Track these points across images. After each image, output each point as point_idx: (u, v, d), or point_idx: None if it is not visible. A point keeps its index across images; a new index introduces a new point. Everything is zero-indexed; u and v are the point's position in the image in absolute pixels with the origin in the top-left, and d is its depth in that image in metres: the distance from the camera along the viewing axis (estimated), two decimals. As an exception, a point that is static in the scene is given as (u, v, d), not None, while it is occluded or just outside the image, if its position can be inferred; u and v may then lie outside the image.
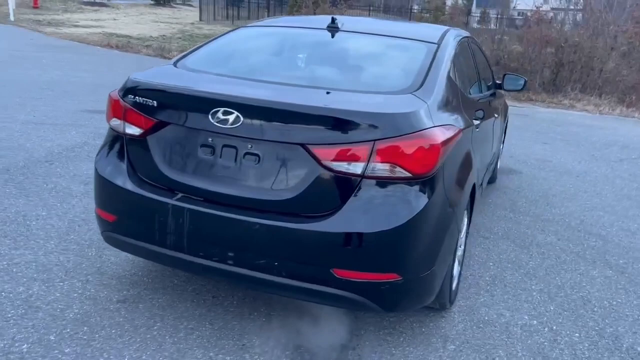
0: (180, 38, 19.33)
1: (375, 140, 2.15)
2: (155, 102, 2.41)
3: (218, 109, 2.25)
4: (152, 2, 33.66)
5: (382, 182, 2.18)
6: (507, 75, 4.66)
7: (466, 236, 3.22)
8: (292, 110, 2.21)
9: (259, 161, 2.26)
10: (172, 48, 16.09)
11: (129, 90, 2.50)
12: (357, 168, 2.16)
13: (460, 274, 3.16)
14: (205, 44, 3.14)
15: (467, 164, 2.75)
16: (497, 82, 4.68)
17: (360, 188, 2.17)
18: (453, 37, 3.24)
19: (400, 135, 2.17)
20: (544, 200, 5.01)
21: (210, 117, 2.26)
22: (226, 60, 2.95)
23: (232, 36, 3.26)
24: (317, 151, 2.16)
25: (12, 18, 20.36)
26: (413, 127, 2.20)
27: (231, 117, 2.23)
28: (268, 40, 3.25)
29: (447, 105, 2.60)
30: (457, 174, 2.56)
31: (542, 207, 4.82)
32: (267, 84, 2.51)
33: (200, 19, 26.70)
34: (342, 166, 2.16)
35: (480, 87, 3.78)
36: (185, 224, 2.33)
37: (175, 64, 2.81)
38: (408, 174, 2.19)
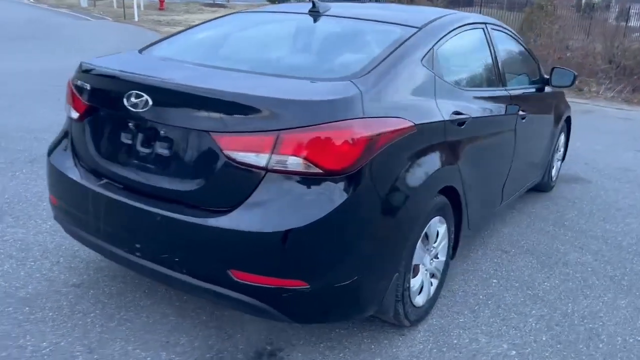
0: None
1: (280, 130, 1.92)
2: (89, 85, 2.37)
3: (131, 92, 2.15)
4: (267, 1, 34.75)
5: (288, 177, 1.95)
6: (556, 69, 4.11)
7: (452, 247, 2.85)
8: (196, 94, 2.06)
9: (170, 148, 2.13)
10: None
11: (76, 74, 2.49)
12: (260, 160, 1.95)
13: (439, 288, 2.80)
14: (184, 30, 3.06)
15: (434, 162, 2.41)
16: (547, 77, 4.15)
17: (263, 183, 1.96)
18: (449, 22, 2.87)
19: (309, 126, 1.92)
20: (600, 215, 4.36)
21: (125, 100, 2.17)
22: (193, 46, 2.84)
23: (215, 22, 3.16)
24: (220, 140, 1.98)
25: (136, 18, 22.01)
26: (326, 117, 1.94)
27: (142, 101, 2.12)
28: (245, 26, 3.11)
29: (403, 95, 2.29)
30: (409, 174, 2.24)
31: (594, 222, 4.20)
32: (205, 68, 2.37)
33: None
34: (245, 157, 1.96)
35: (500, 80, 3.33)
36: (102, 211, 2.26)
37: (140, 51, 2.76)
38: (318, 170, 1.94)
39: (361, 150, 1.98)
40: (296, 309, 2.06)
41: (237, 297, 2.03)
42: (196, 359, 2.31)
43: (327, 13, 2.91)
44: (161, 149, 2.14)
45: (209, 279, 2.05)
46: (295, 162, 1.92)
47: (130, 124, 2.22)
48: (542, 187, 4.69)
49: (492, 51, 3.29)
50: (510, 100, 3.35)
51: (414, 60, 2.45)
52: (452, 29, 2.85)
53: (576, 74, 4.11)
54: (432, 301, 2.74)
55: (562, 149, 4.95)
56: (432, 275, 2.74)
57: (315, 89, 2.12)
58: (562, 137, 4.85)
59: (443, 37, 2.75)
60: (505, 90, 3.35)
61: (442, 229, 2.67)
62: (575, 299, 3.03)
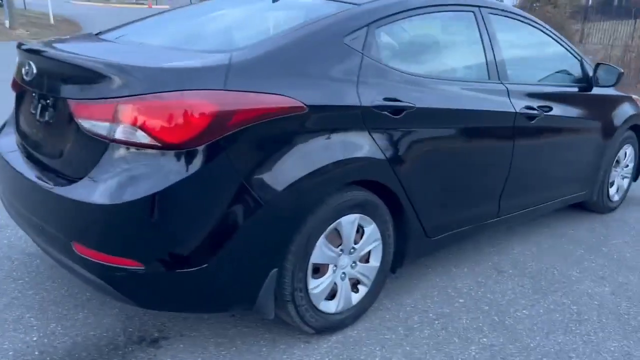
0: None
1: (121, 97, 1.83)
2: (19, 63, 2.46)
3: (24, 61, 2.21)
4: None
5: (130, 148, 1.85)
6: (601, 65, 3.50)
7: (395, 254, 2.53)
8: (63, 63, 2.05)
9: (51, 117, 2.14)
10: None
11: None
12: (103, 129, 1.87)
13: (369, 297, 2.50)
14: (153, 15, 3.10)
15: (340, 150, 2.15)
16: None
17: (106, 153, 1.88)
18: (404, 2, 2.55)
19: (147, 94, 1.81)
20: (659, 244, 3.61)
21: (23, 70, 2.23)
22: (146, 27, 2.85)
23: (190, 7, 3.16)
24: (75, 107, 1.96)
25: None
26: (165, 85, 1.82)
27: (30, 70, 2.17)
28: (210, 8, 3.04)
29: (296, 72, 2.07)
30: (295, 159, 2.02)
31: (643, 252, 3.48)
32: (128, 45, 2.41)
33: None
34: (93, 126, 1.90)
35: (497, 72, 2.89)
36: (9, 182, 2.34)
37: (97, 34, 2.83)
38: (156, 142, 1.82)
39: (206, 124, 1.81)
40: (135, 291, 1.94)
41: (82, 272, 1.96)
42: (83, 335, 2.28)
43: None
44: (46, 118, 2.16)
45: (62, 251, 2.01)
46: (133, 133, 1.82)
47: (33, 94, 2.27)
48: (595, 207, 4.01)
49: (485, 39, 2.87)
50: (508, 96, 2.90)
51: (328, 38, 2.21)
52: (407, 8, 2.53)
53: (621, 71, 3.45)
54: (355, 310, 2.44)
55: (630, 164, 4.19)
56: (358, 282, 2.43)
57: (181, 58, 2.00)
58: (630, 150, 4.10)
59: (390, 16, 2.45)
60: (502, 84, 2.90)
61: (370, 229, 2.37)
62: (551, 334, 2.51)
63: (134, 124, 1.81)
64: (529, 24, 3.26)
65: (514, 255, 3.30)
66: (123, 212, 1.82)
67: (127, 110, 1.81)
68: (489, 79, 2.87)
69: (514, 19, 3.16)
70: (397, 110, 2.33)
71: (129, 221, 1.83)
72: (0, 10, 16.32)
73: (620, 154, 3.99)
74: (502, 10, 3.08)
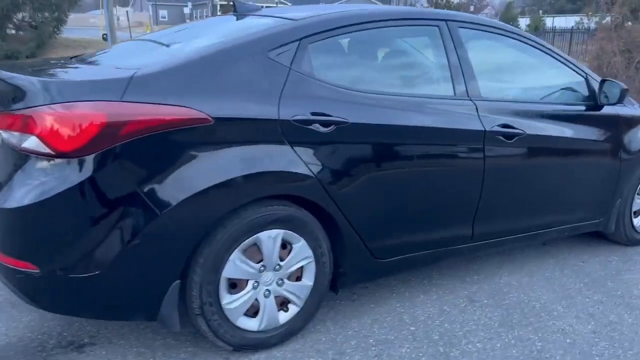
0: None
1: (25, 108, 1.95)
2: None
3: None
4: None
5: (32, 156, 1.96)
6: (606, 82, 3.21)
7: (332, 274, 2.45)
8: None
9: None
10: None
11: None
12: (14, 139, 2.00)
13: (301, 317, 2.43)
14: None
15: (252, 163, 2.13)
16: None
17: (17, 160, 2.00)
18: (348, 16, 2.51)
19: (44, 105, 1.91)
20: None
21: None
22: (123, 50, 2.99)
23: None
24: None
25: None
26: (63, 97, 1.91)
27: None
28: (177, 29, 3.15)
29: (205, 85, 2.10)
30: (197, 170, 2.04)
31: (655, 289, 3.10)
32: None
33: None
34: (8, 135, 2.03)
35: (465, 88, 2.74)
36: None
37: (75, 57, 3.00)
38: (50, 151, 1.91)
39: (94, 133, 1.88)
40: (35, 294, 2.02)
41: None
42: (20, 336, 2.40)
43: (251, 13, 2.80)
44: None
45: None
46: (34, 142, 1.92)
47: None
48: (617, 238, 3.64)
49: (451, 54, 2.73)
50: (477, 114, 2.73)
51: (249, 53, 2.22)
52: (350, 23, 2.49)
53: (624, 87, 3.14)
54: (285, 330, 2.37)
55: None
56: (289, 301, 2.37)
57: (94, 74, 2.10)
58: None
59: (328, 31, 2.42)
60: (471, 101, 2.74)
61: (298, 246, 2.31)
62: (496, 370, 2.29)
63: (33, 133, 1.91)
64: (516, 39, 3.06)
65: (498, 284, 3.06)
66: (18, 217, 1.91)
67: (28, 121, 1.92)
68: (455, 95, 2.72)
69: (496, 33, 2.99)
70: (326, 125, 2.27)
71: (23, 225, 1.92)
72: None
73: (646, 180, 3.60)
74: (479, 24, 2.94)
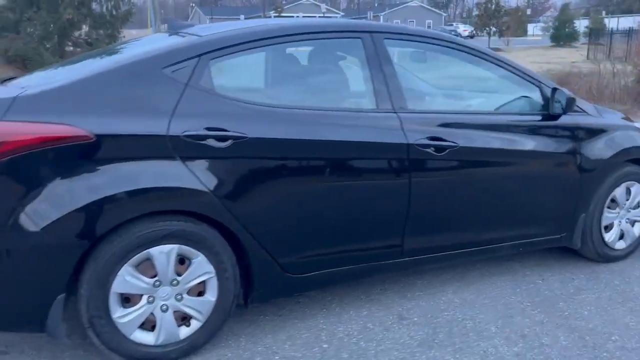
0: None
1: None
2: None
3: None
4: (552, 43, 32.61)
5: None
6: (557, 90, 3.06)
7: (220, 286, 2.45)
8: None
9: None
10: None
11: None
12: None
13: (204, 332, 2.43)
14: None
15: (137, 179, 2.17)
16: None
17: None
18: (261, 32, 2.52)
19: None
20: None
21: None
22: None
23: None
24: None
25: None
26: None
27: None
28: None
29: (86, 100, 2.15)
30: (76, 185, 2.10)
31: (616, 315, 2.91)
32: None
33: (587, 58, 24.36)
34: None
35: (390, 100, 2.68)
36: None
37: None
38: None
39: None
40: None
41: None
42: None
43: (178, 31, 2.86)
44: None
45: None
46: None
47: None
48: (588, 254, 3.45)
49: (374, 66, 2.68)
50: (401, 127, 2.67)
51: (142, 71, 2.27)
52: (259, 38, 2.49)
53: (571, 96, 2.98)
54: (186, 345, 2.39)
55: (635, 203, 3.52)
56: (191, 317, 2.38)
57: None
58: (638, 189, 3.46)
59: (232, 46, 2.43)
60: (395, 114, 2.68)
61: (197, 261, 2.33)
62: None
63: None
64: (455, 48, 2.96)
65: (438, 302, 2.96)
66: None
67: None
68: (377, 108, 2.67)
69: (431, 43, 2.91)
70: (223, 140, 2.28)
71: None
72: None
73: (617, 192, 3.38)
74: (411, 35, 2.87)
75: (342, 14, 67.49)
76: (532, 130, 3.07)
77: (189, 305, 2.36)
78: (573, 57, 25.60)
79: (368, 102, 2.68)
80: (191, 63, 2.33)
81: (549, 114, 3.07)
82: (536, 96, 3.14)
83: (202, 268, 2.34)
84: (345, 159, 2.56)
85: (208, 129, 2.27)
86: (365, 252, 2.72)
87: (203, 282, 2.37)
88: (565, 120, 3.14)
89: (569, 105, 2.98)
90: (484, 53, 3.05)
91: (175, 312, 2.34)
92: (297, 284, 2.61)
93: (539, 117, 3.11)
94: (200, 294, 2.39)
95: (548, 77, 15.42)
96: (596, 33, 27.59)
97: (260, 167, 2.38)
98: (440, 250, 2.92)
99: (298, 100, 2.59)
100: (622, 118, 3.73)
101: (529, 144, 3.04)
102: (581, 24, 36.86)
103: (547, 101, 3.09)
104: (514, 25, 40.99)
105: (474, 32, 40.05)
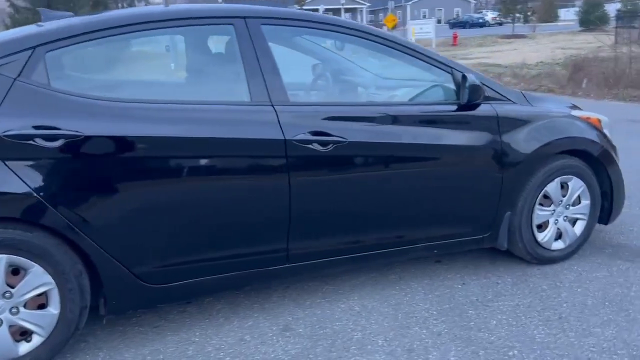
0: (557, 64, 17.58)
1: None
2: None
3: None
4: (582, 28, 31.43)
5: None
6: (465, 77, 2.77)
7: (63, 298, 2.27)
8: None
9: None
10: (523, 74, 14.98)
11: None
12: None
13: (37, 348, 2.25)
14: None
15: None
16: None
17: None
18: (103, 20, 2.33)
19: None
20: (569, 317, 2.69)
21: None
22: None
23: None
24: None
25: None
26: None
27: None
28: None
29: None
30: None
31: (529, 325, 2.63)
32: None
33: (616, 42, 23.34)
34: None
35: (266, 92, 2.46)
36: None
37: None
38: None
39: None
40: None
41: None
42: None
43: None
44: None
45: None
46: None
47: None
48: (522, 255, 3.15)
49: (248, 55, 2.45)
50: (277, 121, 2.43)
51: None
52: (110, 27, 2.29)
53: (476, 84, 2.68)
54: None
55: (584, 201, 3.19)
56: (32, 331, 2.21)
57: None
58: (575, 184, 3.13)
59: (73, 37, 2.24)
60: (272, 107, 2.44)
61: (32, 272, 2.16)
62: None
63: None
64: (349, 34, 2.70)
65: (334, 310, 2.73)
66: None
67: None
68: (251, 101, 2.44)
69: (320, 28, 2.66)
70: (53, 139, 2.10)
71: None
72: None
73: (550, 188, 3.07)
74: (296, 19, 2.62)
75: (368, 4, 66.71)
76: (442, 122, 2.79)
77: (26, 319, 2.19)
78: (601, 42, 24.63)
79: (241, 94, 2.45)
80: (23, 56, 2.15)
81: (462, 103, 2.78)
82: (451, 85, 2.85)
83: (38, 279, 2.17)
84: (209, 156, 2.35)
85: (36, 127, 2.09)
86: (243, 258, 2.50)
87: (45, 294, 2.19)
88: (484, 109, 2.86)
89: (474, 94, 2.69)
90: (389, 40, 2.77)
91: (11, 326, 2.17)
92: (159, 295, 2.41)
93: (453, 108, 2.82)
94: (42, 306, 2.21)
95: (562, 62, 14.73)
96: (630, 16, 26.36)
97: (99, 168, 2.19)
98: (334, 254, 2.68)
99: (151, 93, 2.38)
100: (569, 107, 3.40)
101: (438, 136, 2.76)
102: (614, 7, 35.41)
103: (458, 90, 2.80)
104: (543, 10, 39.76)
105: (501, 18, 38.94)
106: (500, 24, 39.37)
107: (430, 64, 2.83)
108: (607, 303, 2.75)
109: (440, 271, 3.13)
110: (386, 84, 3.01)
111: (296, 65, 2.73)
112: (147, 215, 2.27)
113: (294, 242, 2.55)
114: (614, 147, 3.30)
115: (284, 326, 2.58)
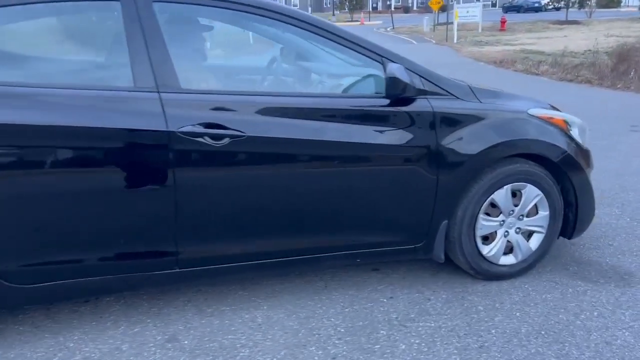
0: (606, 52, 16.54)
1: None
2: None
3: None
4: (641, 15, 29.59)
5: None
6: (387, 66, 2.45)
7: None
8: None
9: None
10: (565, 62, 14.16)
11: None
12: None
13: None
14: None
15: None
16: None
17: None
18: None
19: None
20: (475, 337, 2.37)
21: None
22: None
23: None
24: None
25: (455, 40, 22.00)
26: None
27: None
28: None
29: None
30: None
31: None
32: None
33: (677, 30, 21.86)
34: None
35: (153, 79, 2.22)
36: None
37: None
38: None
39: None
40: None
41: None
42: None
43: None
44: None
45: None
46: None
47: None
48: (467, 270, 2.82)
49: (132, 35, 2.21)
50: (162, 110, 2.19)
51: None
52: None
53: (393, 76, 2.35)
54: None
55: (543, 212, 2.82)
56: None
57: None
58: (530, 192, 2.76)
59: None
60: (157, 93, 2.20)
61: None
62: None
63: None
64: (261, 15, 2.41)
65: (234, 321, 2.49)
66: None
67: None
68: (135, 86, 2.20)
69: (227, 8, 2.38)
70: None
71: None
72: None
73: (498, 196, 2.71)
74: (196, -4, 2.35)
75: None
76: (365, 117, 2.48)
77: None
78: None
79: (123, 79, 2.21)
80: None
81: (389, 96, 2.46)
82: (378, 75, 2.53)
83: None
84: (78, 147, 2.12)
85: None
86: (124, 261, 2.29)
87: None
88: (419, 105, 2.52)
89: (392, 87, 2.36)
90: (310, 23, 2.47)
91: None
92: (22, 295, 2.22)
93: (383, 102, 2.50)
94: None
95: (611, 51, 13.77)
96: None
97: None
98: (234, 260, 2.44)
99: (22, 75, 2.17)
100: (544, 107, 2.99)
101: (359, 133, 2.45)
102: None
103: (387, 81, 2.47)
104: (603, -5, 37.71)
105: (555, 3, 37.14)
106: (558, 9, 37.53)
107: (360, 52, 2.51)
108: (542, 332, 2.40)
109: (372, 281, 2.84)
110: (304, 73, 2.70)
111: (197, 49, 2.46)
112: (5, 210, 2.08)
113: (184, 245, 2.32)
114: (584, 152, 2.90)
115: (170, 336, 2.37)
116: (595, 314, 2.54)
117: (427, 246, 2.69)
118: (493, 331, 2.41)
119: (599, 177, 4.41)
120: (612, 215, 3.72)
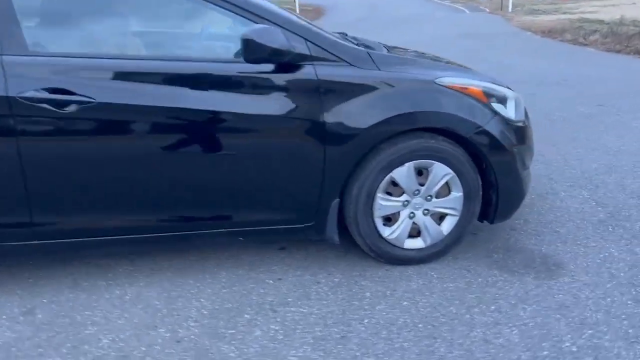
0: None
1: None
2: None
3: None
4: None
5: None
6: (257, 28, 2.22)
7: None
8: None
9: None
10: (622, 32, 13.09)
11: None
12: None
13: None
14: None
15: None
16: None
17: None
18: None
19: None
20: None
21: None
22: None
23: None
24: None
25: (509, 9, 20.86)
26: None
27: None
28: None
29: None
30: None
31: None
32: None
33: None
34: None
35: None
36: None
37: None
38: None
39: None
40: None
41: None
42: None
43: None
44: None
45: None
46: None
47: None
48: (369, 252, 2.61)
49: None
50: (3, 72, 2.09)
51: None
52: None
53: (247, 37, 2.12)
54: None
55: (456, 193, 2.55)
56: None
57: None
58: (438, 169, 2.48)
59: None
60: (5, 55, 2.10)
61: None
62: None
63: None
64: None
65: (102, 298, 2.40)
66: None
67: None
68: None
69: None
70: None
71: None
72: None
73: (398, 174, 2.45)
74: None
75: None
76: (239, 84, 2.29)
77: None
78: None
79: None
80: None
81: (251, 61, 2.24)
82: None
83: None
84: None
85: None
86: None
87: None
88: (303, 72, 2.30)
89: (249, 51, 2.14)
90: None
91: None
92: None
93: (262, 68, 2.29)
94: None
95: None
96: None
97: None
98: (101, 233, 2.33)
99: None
100: (487, 81, 2.67)
101: (231, 101, 2.27)
102: None
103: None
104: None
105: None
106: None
107: (237, 14, 2.30)
108: (420, 325, 2.17)
109: (269, 261, 2.68)
110: (173, 34, 2.51)
111: (58, 10, 2.32)
112: None
113: (39, 216, 2.23)
114: (515, 128, 2.58)
115: (29, 309, 2.31)
116: (493, 308, 2.27)
117: (319, 226, 2.48)
118: (366, 321, 2.19)
119: (591, 156, 4.02)
120: (577, 199, 3.35)
